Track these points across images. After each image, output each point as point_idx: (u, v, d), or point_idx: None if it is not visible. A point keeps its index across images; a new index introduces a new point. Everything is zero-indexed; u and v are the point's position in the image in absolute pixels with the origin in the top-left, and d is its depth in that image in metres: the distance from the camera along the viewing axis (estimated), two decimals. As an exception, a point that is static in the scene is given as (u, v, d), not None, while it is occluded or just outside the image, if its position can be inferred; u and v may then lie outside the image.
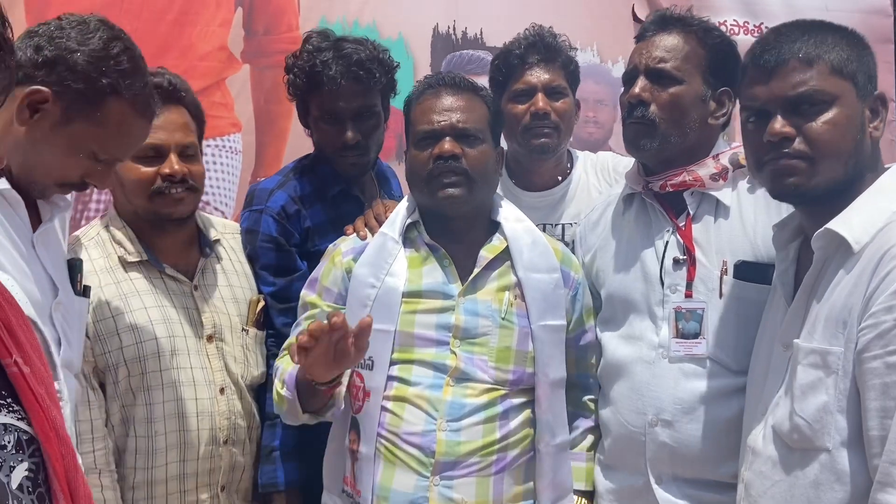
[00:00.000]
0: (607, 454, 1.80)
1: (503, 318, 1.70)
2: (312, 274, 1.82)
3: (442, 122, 1.69)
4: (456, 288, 1.71)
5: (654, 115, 1.68)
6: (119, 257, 1.77)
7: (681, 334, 1.67)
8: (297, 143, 2.75)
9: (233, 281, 1.90)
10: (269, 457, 1.88)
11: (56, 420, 0.96)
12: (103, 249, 1.77)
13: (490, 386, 1.68)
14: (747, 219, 1.69)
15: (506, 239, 1.75)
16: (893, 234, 1.29)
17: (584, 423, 1.84)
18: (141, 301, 1.75)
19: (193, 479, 1.76)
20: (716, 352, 1.66)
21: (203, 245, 1.86)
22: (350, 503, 1.70)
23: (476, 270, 1.73)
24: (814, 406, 1.33)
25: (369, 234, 1.80)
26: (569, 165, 2.19)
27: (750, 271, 1.65)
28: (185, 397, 1.75)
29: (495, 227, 1.77)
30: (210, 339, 1.81)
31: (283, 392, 1.67)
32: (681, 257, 1.70)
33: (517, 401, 1.71)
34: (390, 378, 1.68)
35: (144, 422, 1.72)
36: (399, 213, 1.77)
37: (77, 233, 1.84)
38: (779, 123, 1.37)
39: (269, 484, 1.88)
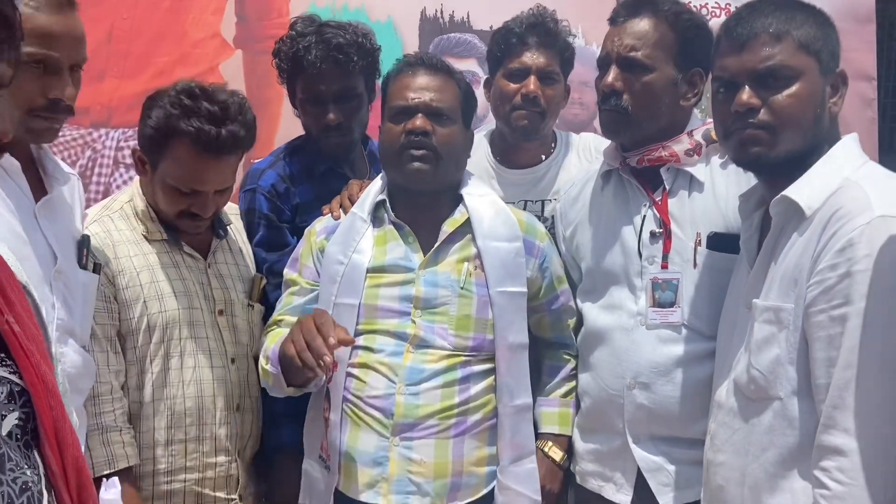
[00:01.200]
0: (586, 417, 1.89)
1: (462, 288, 1.77)
2: (293, 253, 1.92)
3: (416, 100, 1.75)
4: (418, 260, 1.79)
5: (626, 103, 1.74)
6: (142, 233, 1.86)
7: (657, 303, 1.76)
8: (289, 126, 2.80)
9: (239, 261, 1.99)
10: (274, 421, 1.97)
11: (45, 374, 1.02)
12: (128, 223, 1.86)
13: (450, 353, 1.76)
14: (719, 192, 1.76)
15: (467, 211, 1.81)
16: (841, 198, 1.37)
17: (562, 373, 1.92)
18: (165, 273, 1.84)
19: (211, 443, 1.86)
20: (690, 319, 1.74)
21: (217, 227, 1.95)
22: (324, 466, 1.79)
23: (437, 243, 1.80)
24: (768, 359, 1.42)
25: (342, 214, 1.87)
26: (552, 145, 2.24)
27: (722, 242, 1.74)
28: (202, 365, 1.85)
29: (459, 200, 1.84)
30: (221, 313, 1.91)
31: (269, 368, 1.75)
32: (657, 230, 1.78)
33: (480, 367, 1.78)
34: (355, 348, 1.76)
35: (165, 387, 1.81)
36: (370, 193, 1.84)
37: (102, 205, 1.92)
38: (746, 94, 1.44)
39: (272, 447, 1.97)
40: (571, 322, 1.94)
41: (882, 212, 1.30)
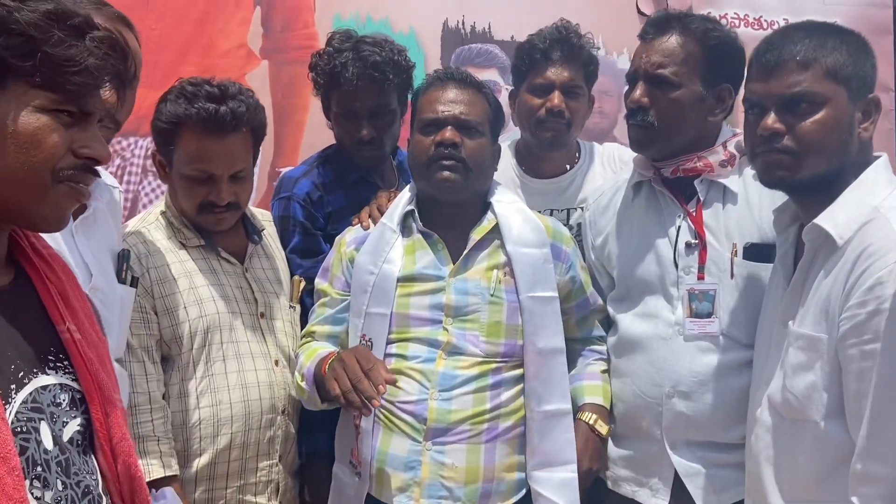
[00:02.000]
0: (619, 423, 1.90)
1: (492, 295, 1.80)
2: (324, 263, 1.94)
3: (446, 112, 1.79)
4: (447, 270, 1.81)
5: (653, 118, 1.76)
6: (179, 240, 1.88)
7: (694, 314, 1.78)
8: (314, 134, 2.85)
9: (275, 265, 2.02)
10: (309, 427, 1.99)
11: (103, 381, 1.04)
12: (164, 232, 1.89)
13: (482, 359, 1.77)
14: (753, 203, 1.78)
15: (496, 217, 1.84)
16: (871, 234, 1.40)
17: (596, 354, 1.94)
18: (203, 279, 1.86)
19: (255, 448, 1.86)
20: (729, 328, 1.76)
21: (251, 232, 1.98)
22: (354, 472, 1.81)
23: (466, 250, 1.82)
24: (803, 384, 1.46)
25: (371, 224, 1.91)
26: (577, 155, 2.27)
27: (758, 252, 1.76)
28: (246, 369, 1.86)
29: (487, 208, 1.87)
30: (262, 315, 1.93)
31: (303, 385, 1.81)
32: (693, 241, 1.79)
33: (511, 374, 1.79)
34: (388, 356, 1.78)
35: (209, 392, 1.82)
36: (399, 204, 1.87)
37: (138, 218, 1.95)
38: (771, 119, 1.47)
39: (307, 453, 2.00)
40: (597, 320, 1.97)
41: None
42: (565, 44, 2.11)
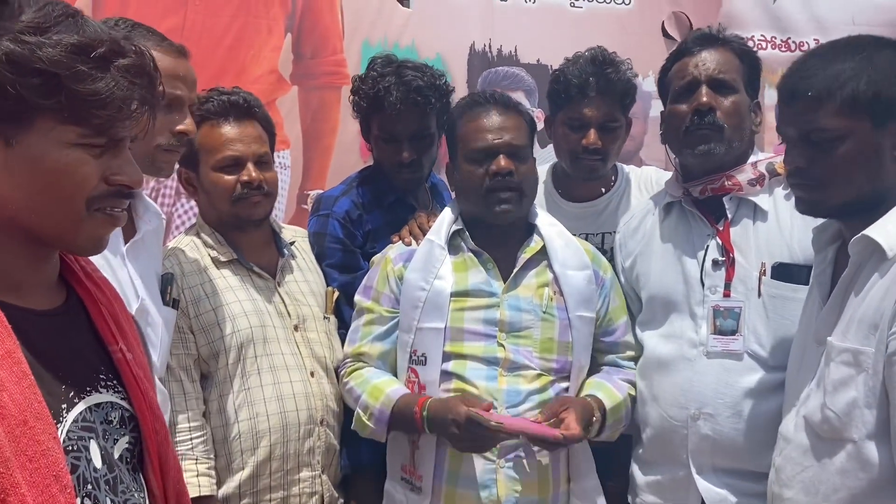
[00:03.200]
0: (647, 448, 1.88)
1: (545, 312, 1.82)
2: (365, 281, 1.96)
3: (497, 140, 1.81)
4: (499, 286, 1.84)
5: (721, 120, 1.78)
6: (212, 258, 1.93)
7: (718, 331, 1.76)
8: (342, 158, 2.90)
9: (308, 277, 2.05)
10: (350, 439, 1.99)
11: (153, 401, 1.07)
12: (197, 252, 1.94)
13: (539, 373, 1.80)
14: (784, 223, 1.77)
15: (542, 240, 1.87)
16: None
17: (624, 373, 1.92)
18: (235, 295, 1.90)
19: (295, 459, 1.88)
20: (755, 348, 1.74)
21: (280, 247, 2.02)
22: (409, 489, 1.81)
23: (516, 269, 1.85)
24: (844, 400, 1.41)
25: (414, 242, 1.93)
26: (613, 178, 2.26)
27: (787, 272, 1.74)
28: (282, 381, 1.89)
29: (531, 230, 1.90)
30: (296, 328, 1.96)
31: (371, 424, 1.82)
32: (720, 259, 1.79)
33: (563, 385, 1.83)
34: (445, 373, 1.80)
35: (246, 406, 1.85)
36: (444, 222, 1.90)
37: (171, 242, 2.01)
38: (793, 155, 1.46)
39: (346, 465, 2.00)
40: (628, 353, 1.95)
41: None
42: (601, 78, 2.08)
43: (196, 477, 1.77)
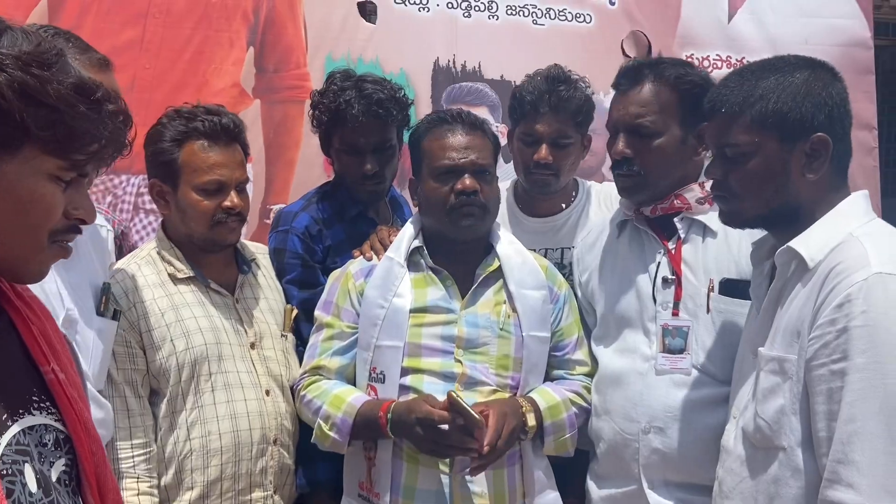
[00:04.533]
0: (601, 463, 1.90)
1: (501, 329, 1.84)
2: (325, 296, 1.95)
3: (462, 160, 1.83)
4: (457, 303, 1.85)
5: (639, 168, 1.80)
6: (169, 273, 1.91)
7: (667, 349, 1.79)
8: (305, 172, 2.89)
9: (267, 294, 2.04)
10: (306, 458, 1.99)
11: (88, 421, 1.05)
12: (154, 267, 1.91)
13: (495, 388, 1.82)
14: (733, 240, 1.80)
15: (499, 259, 1.89)
16: (842, 253, 1.40)
17: (574, 385, 1.93)
18: (190, 311, 1.88)
19: (247, 479, 1.86)
20: (704, 364, 1.77)
21: (241, 263, 2.01)
22: None
23: (474, 286, 1.87)
24: (773, 408, 1.44)
25: (375, 257, 1.93)
26: (573, 194, 2.29)
27: (733, 288, 1.77)
28: (236, 399, 1.87)
29: (490, 248, 1.92)
30: (252, 346, 1.94)
31: (332, 434, 1.81)
32: (670, 277, 1.82)
33: None
34: (403, 388, 1.81)
35: (199, 423, 1.83)
36: (404, 239, 1.90)
37: (130, 254, 1.98)
38: (712, 166, 1.54)
39: (304, 485, 1.99)
40: (579, 370, 1.96)
41: (879, 268, 1.32)
42: (553, 96, 2.12)
43: (137, 496, 1.74)
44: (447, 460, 1.76)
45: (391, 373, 1.81)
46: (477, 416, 1.65)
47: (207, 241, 1.91)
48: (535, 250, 2.10)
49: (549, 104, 2.12)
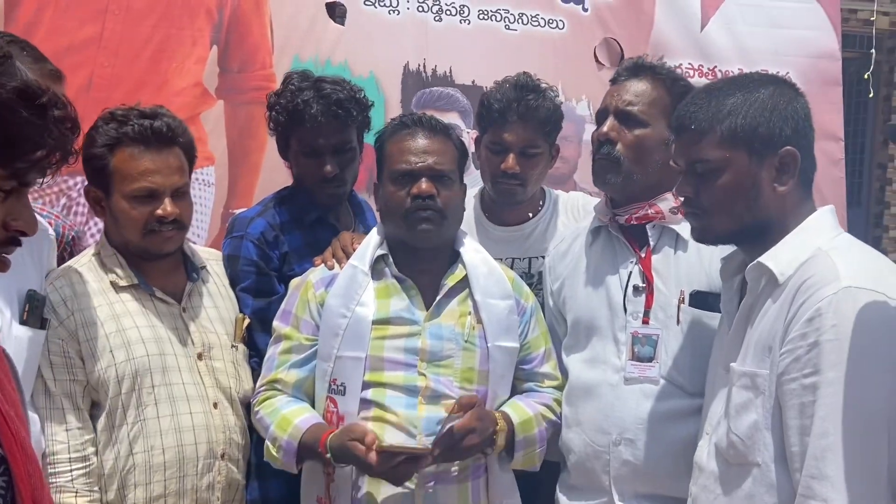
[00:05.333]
0: (572, 475, 1.87)
1: (466, 341, 1.80)
2: (284, 306, 1.89)
3: (419, 164, 1.78)
4: (421, 314, 1.80)
5: (619, 153, 1.79)
6: (111, 282, 1.83)
7: (636, 357, 1.78)
8: (269, 176, 2.81)
9: (218, 303, 1.96)
10: (256, 473, 1.92)
11: (24, 440, 0.99)
12: (95, 274, 1.83)
13: None
14: (704, 252, 1.78)
15: (465, 268, 1.85)
16: (811, 267, 1.40)
17: (544, 397, 1.90)
18: (133, 321, 1.80)
19: (192, 495, 1.79)
20: (672, 375, 1.75)
21: (190, 270, 1.93)
22: None
23: (439, 296, 1.82)
24: (746, 424, 1.43)
25: (337, 265, 1.87)
26: (541, 203, 2.26)
27: (703, 300, 1.76)
28: (181, 412, 1.79)
29: (456, 256, 1.87)
30: (200, 356, 1.87)
31: (280, 456, 1.76)
32: (641, 285, 1.80)
33: None
34: (364, 401, 1.75)
35: (141, 438, 1.76)
36: (368, 246, 1.85)
37: (70, 261, 1.89)
38: (681, 182, 1.54)
39: (255, 500, 1.92)
40: (548, 383, 1.93)
41: (849, 283, 1.33)
42: (521, 104, 2.08)
43: None
44: (413, 477, 1.70)
45: (352, 385, 1.75)
46: (419, 446, 1.63)
47: (141, 249, 1.83)
48: (501, 259, 2.06)
49: (517, 113, 2.08)
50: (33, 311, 1.65)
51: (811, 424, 1.31)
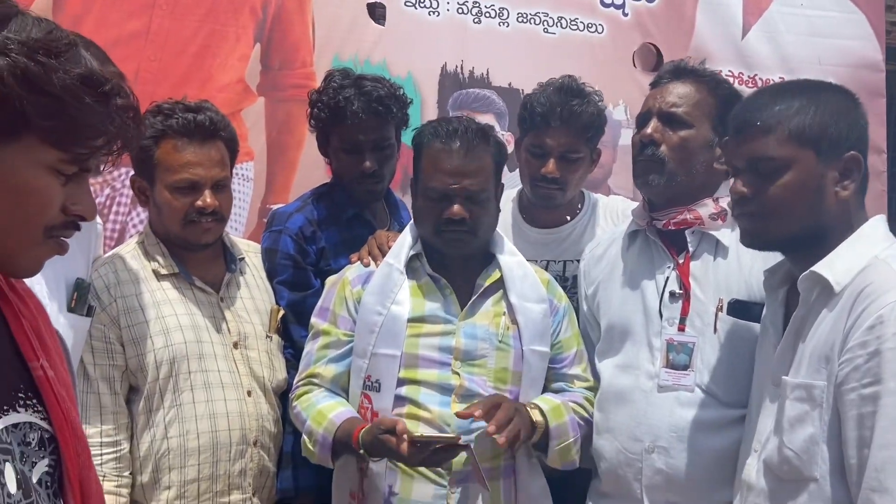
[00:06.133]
0: (603, 482, 1.86)
1: (500, 341, 1.81)
2: (321, 303, 1.91)
3: (454, 185, 1.77)
4: (456, 313, 1.81)
5: (663, 154, 1.78)
6: (153, 270, 1.88)
7: (671, 365, 1.75)
8: (306, 173, 2.84)
9: (255, 294, 2.00)
10: (287, 462, 1.95)
11: (75, 421, 1.01)
12: (139, 262, 1.88)
13: None
14: (744, 260, 1.77)
15: (500, 270, 1.85)
16: (869, 275, 1.37)
17: (574, 395, 1.89)
18: (172, 308, 1.85)
19: (225, 481, 1.83)
20: (709, 385, 1.73)
21: (229, 261, 1.97)
22: None
23: (474, 297, 1.83)
24: (801, 438, 1.39)
25: (373, 263, 1.89)
26: (579, 206, 2.25)
27: (742, 310, 1.73)
28: (215, 398, 1.84)
29: (491, 257, 1.88)
30: (236, 345, 1.91)
31: (315, 450, 1.77)
32: (678, 291, 1.78)
33: None
34: (398, 398, 1.77)
35: (177, 422, 1.80)
36: (403, 245, 1.87)
37: (116, 248, 1.96)
38: (738, 183, 1.49)
39: (286, 489, 1.95)
40: (578, 384, 1.93)
41: None
42: (565, 109, 2.07)
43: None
44: (445, 475, 1.73)
45: (387, 382, 1.77)
46: (450, 435, 1.63)
47: (181, 239, 1.88)
48: (536, 262, 2.06)
49: (560, 118, 2.07)
50: (80, 298, 1.69)
51: (871, 435, 1.28)
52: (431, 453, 1.64)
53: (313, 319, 1.91)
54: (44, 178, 0.92)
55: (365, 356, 1.79)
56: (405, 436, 1.63)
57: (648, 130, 1.80)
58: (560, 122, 2.08)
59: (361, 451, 1.70)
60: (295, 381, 1.91)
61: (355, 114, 2.04)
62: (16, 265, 0.96)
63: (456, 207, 1.77)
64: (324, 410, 1.79)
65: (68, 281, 1.69)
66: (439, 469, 1.72)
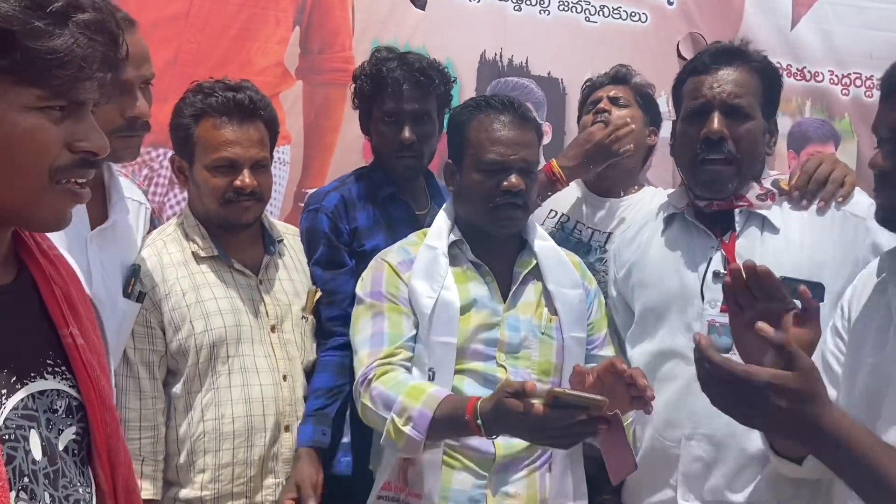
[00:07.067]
0: (638, 470, 1.78)
1: (543, 333, 1.78)
2: (369, 287, 1.80)
3: (513, 157, 1.75)
4: (499, 303, 1.78)
5: (733, 150, 1.69)
6: (192, 252, 1.88)
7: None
8: (343, 157, 2.84)
9: (293, 276, 1.99)
10: (304, 420, 1.89)
11: (104, 389, 1.00)
12: (179, 245, 1.88)
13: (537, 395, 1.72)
14: (793, 237, 1.71)
15: (535, 257, 1.83)
16: None
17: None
18: (211, 292, 1.85)
19: (258, 465, 1.82)
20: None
21: (268, 243, 1.96)
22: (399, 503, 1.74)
23: (515, 286, 1.80)
24: None
25: (412, 249, 1.83)
26: (636, 189, 2.33)
27: (794, 288, 1.61)
28: (251, 383, 1.83)
29: (524, 243, 1.85)
30: (273, 329, 1.90)
31: (408, 431, 1.58)
32: (722, 271, 1.70)
33: None
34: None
35: (213, 406, 1.80)
36: (444, 229, 1.83)
37: (156, 230, 1.95)
38: (878, 156, 1.32)
39: (328, 477, 1.89)
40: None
41: None
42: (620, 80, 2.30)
43: (139, 479, 1.69)
44: (486, 465, 1.70)
45: (442, 371, 1.69)
46: (596, 397, 1.42)
47: (220, 219, 1.87)
48: (584, 226, 2.17)
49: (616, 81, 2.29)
50: (135, 284, 1.71)
51: None
52: (572, 425, 1.45)
53: (369, 301, 1.78)
54: (29, 118, 0.86)
55: (425, 343, 1.73)
56: (544, 393, 1.44)
57: (716, 126, 1.69)
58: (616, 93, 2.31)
59: (478, 423, 1.52)
60: (365, 366, 1.72)
61: (396, 81, 2.04)
62: (37, 218, 0.92)
63: (514, 178, 1.74)
64: (420, 386, 1.64)
65: (123, 265, 1.70)
66: (481, 460, 1.68)
